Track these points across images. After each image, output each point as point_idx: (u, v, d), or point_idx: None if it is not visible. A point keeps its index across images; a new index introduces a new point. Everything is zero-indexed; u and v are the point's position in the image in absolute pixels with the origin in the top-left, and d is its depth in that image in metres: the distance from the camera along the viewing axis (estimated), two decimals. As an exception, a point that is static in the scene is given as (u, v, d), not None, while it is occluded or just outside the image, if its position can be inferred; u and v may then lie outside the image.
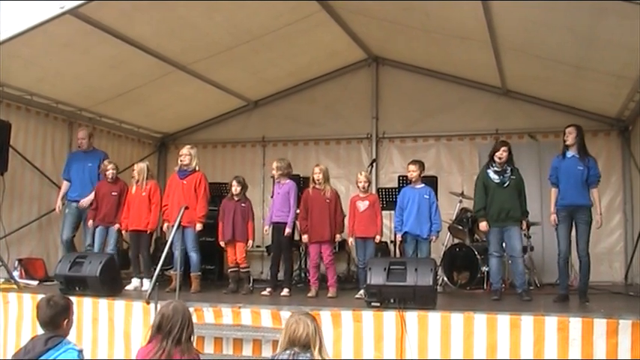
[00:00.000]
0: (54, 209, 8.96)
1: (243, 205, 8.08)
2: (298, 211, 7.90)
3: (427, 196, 7.62)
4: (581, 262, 7.02)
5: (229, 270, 8.17)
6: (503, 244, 7.42)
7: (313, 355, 3.56)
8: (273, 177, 8.10)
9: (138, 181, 8.23)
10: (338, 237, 7.76)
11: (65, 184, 8.82)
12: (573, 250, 7.15)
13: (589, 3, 5.70)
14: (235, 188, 8.12)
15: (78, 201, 8.62)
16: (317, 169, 7.80)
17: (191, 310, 6.21)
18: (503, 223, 7.22)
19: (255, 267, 9.79)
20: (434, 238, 7.62)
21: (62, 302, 3.93)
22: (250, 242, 8.07)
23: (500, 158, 7.30)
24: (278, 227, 7.89)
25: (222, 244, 8.16)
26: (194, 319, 6.16)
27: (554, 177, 7.30)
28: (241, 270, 8.07)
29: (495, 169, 7.34)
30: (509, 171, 7.30)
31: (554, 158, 7.43)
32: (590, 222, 7.05)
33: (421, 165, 7.83)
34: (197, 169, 8.13)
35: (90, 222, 8.37)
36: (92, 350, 6.74)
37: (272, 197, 8.11)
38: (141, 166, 8.32)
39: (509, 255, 7.44)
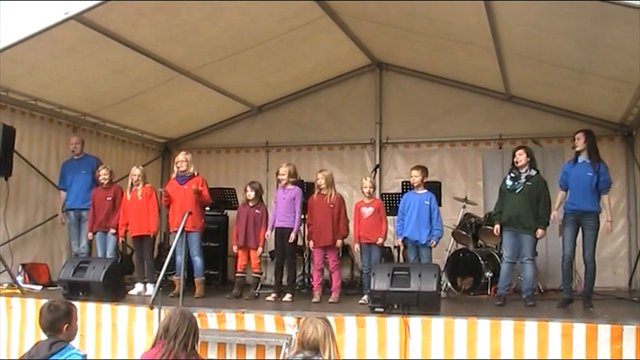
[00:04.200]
0: (57, 215, 9.05)
1: (257, 211, 8.04)
2: (303, 216, 7.87)
3: (427, 202, 7.56)
4: (586, 268, 6.99)
5: (236, 275, 8.15)
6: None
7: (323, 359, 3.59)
8: (279, 181, 8.02)
9: (133, 186, 8.23)
10: (339, 242, 7.71)
11: (63, 194, 8.87)
12: (578, 255, 7.12)
13: (591, 7, 5.69)
14: (248, 194, 8.09)
15: (74, 209, 8.69)
16: (320, 175, 7.81)
17: (194, 315, 6.25)
18: (516, 229, 7.19)
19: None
20: (433, 243, 7.52)
21: (63, 307, 3.93)
22: (260, 250, 8.03)
23: (517, 162, 7.28)
24: (282, 232, 7.88)
25: (234, 248, 8.15)
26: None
27: (563, 182, 7.28)
28: (253, 275, 8.07)
29: (511, 174, 7.34)
30: (523, 177, 7.24)
31: (566, 163, 7.45)
32: (597, 228, 7.00)
33: (424, 170, 7.77)
34: (196, 173, 8.15)
35: (90, 234, 8.43)
36: (95, 355, 6.74)
37: (275, 202, 8.05)
38: (137, 172, 8.30)
39: (519, 260, 7.38)
